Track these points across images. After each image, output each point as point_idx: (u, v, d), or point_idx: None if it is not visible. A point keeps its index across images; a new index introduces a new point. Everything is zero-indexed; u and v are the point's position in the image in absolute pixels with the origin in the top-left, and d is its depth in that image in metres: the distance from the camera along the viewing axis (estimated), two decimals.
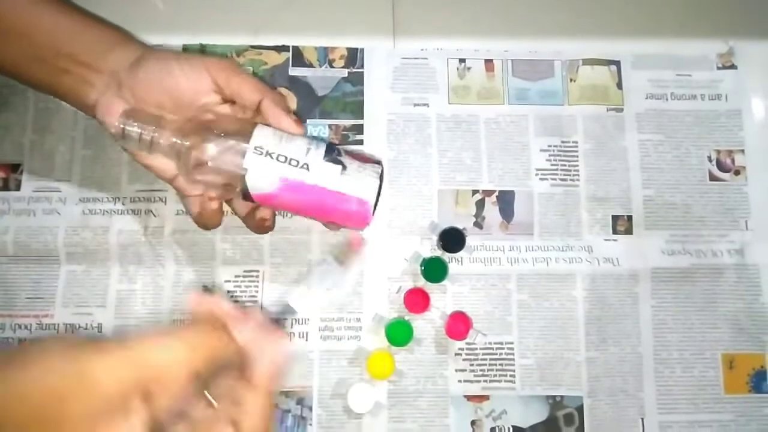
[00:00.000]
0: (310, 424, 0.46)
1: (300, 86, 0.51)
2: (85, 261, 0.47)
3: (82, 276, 0.47)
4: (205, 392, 0.28)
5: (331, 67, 0.51)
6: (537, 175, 0.50)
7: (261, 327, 0.31)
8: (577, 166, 0.50)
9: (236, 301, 0.47)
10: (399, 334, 0.46)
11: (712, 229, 0.50)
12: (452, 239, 0.48)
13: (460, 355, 0.47)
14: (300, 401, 0.46)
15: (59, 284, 0.47)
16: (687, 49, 0.53)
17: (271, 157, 0.39)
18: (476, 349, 0.47)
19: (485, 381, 0.47)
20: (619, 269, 0.49)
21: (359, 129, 0.50)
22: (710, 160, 0.51)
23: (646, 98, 0.52)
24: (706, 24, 0.53)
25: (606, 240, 0.49)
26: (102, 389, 0.25)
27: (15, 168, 0.49)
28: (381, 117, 0.50)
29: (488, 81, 0.51)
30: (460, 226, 0.48)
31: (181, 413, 0.28)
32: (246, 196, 0.41)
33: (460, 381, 0.47)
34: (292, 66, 0.51)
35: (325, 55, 0.51)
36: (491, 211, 0.49)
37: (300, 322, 0.47)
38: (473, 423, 0.46)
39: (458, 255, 0.48)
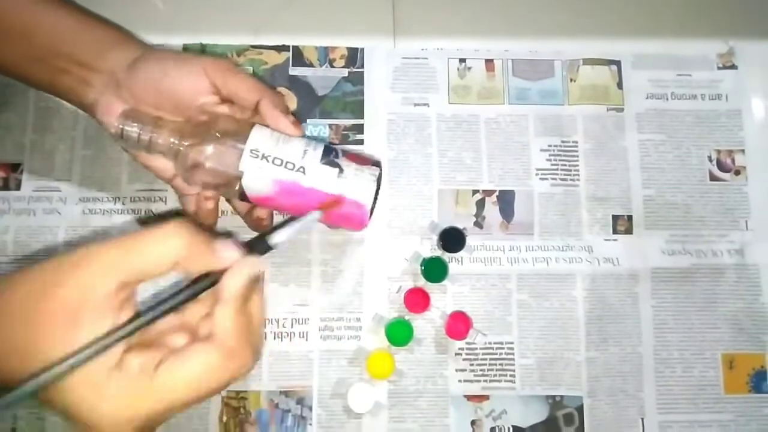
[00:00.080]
0: (310, 424, 0.46)
1: (300, 86, 0.51)
2: None
3: None
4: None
5: (332, 66, 0.51)
6: (537, 174, 0.50)
7: (236, 250, 0.30)
8: (578, 166, 0.50)
9: None
10: (399, 333, 0.46)
11: (712, 229, 0.50)
12: (452, 239, 0.48)
13: (460, 354, 0.47)
14: (300, 401, 0.46)
15: None
16: (687, 49, 0.53)
17: (267, 160, 0.39)
18: (476, 348, 0.47)
19: (485, 381, 0.47)
20: (619, 269, 0.49)
21: (359, 129, 0.50)
22: (710, 160, 0.51)
23: (647, 98, 0.52)
24: (706, 24, 0.53)
25: (606, 240, 0.49)
26: (93, 286, 0.27)
27: (15, 167, 0.49)
28: (381, 117, 0.50)
29: (488, 81, 0.51)
30: (460, 226, 0.48)
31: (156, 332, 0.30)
32: (243, 196, 0.41)
33: (460, 381, 0.47)
34: (293, 66, 0.51)
35: (325, 55, 0.51)
36: (491, 210, 0.49)
37: (300, 322, 0.47)
38: (473, 423, 0.46)
39: (458, 255, 0.48)
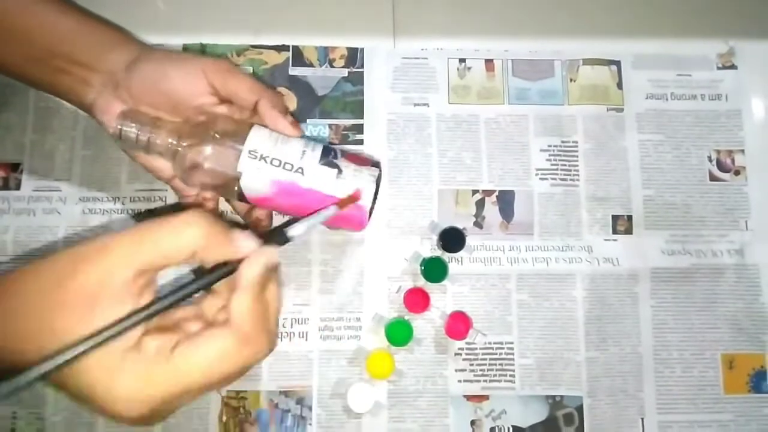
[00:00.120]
0: (310, 424, 0.46)
1: (300, 86, 0.51)
2: None
3: None
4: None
5: (332, 66, 0.51)
6: (537, 174, 0.50)
7: (253, 240, 0.31)
8: (577, 166, 0.50)
9: None
10: (399, 333, 0.46)
11: (712, 229, 0.50)
12: (452, 239, 0.48)
13: (460, 354, 0.47)
14: (300, 401, 0.46)
15: None
16: (687, 49, 0.53)
17: (266, 161, 0.39)
18: (476, 348, 0.47)
19: (485, 381, 0.47)
20: (619, 269, 0.49)
21: (359, 129, 0.50)
22: (710, 160, 0.51)
23: (647, 98, 0.52)
24: (706, 24, 0.53)
25: (606, 240, 0.49)
26: (111, 274, 0.27)
27: (15, 167, 0.49)
28: (381, 117, 0.50)
29: (488, 81, 0.51)
30: (460, 226, 0.48)
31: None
32: (241, 197, 0.41)
33: (459, 381, 0.47)
34: (292, 66, 0.51)
35: (325, 55, 0.51)
36: (491, 210, 0.49)
37: (300, 322, 0.47)
38: (473, 423, 0.46)
39: (458, 255, 0.48)
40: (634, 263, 0.49)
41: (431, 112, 0.51)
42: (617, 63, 0.52)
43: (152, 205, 0.48)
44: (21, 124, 0.49)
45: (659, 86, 0.52)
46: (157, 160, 0.42)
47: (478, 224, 0.49)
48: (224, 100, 0.42)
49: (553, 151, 0.50)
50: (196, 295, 0.30)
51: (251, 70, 0.51)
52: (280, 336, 0.47)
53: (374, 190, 0.41)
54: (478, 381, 0.47)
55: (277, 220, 0.47)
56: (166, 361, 0.28)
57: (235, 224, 0.44)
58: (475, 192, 0.50)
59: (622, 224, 0.50)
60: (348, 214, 0.41)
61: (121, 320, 0.27)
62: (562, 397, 0.47)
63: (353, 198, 0.40)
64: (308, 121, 0.50)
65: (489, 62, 0.52)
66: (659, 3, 0.53)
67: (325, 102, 0.50)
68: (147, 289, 0.28)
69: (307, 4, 0.52)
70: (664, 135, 0.51)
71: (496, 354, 0.47)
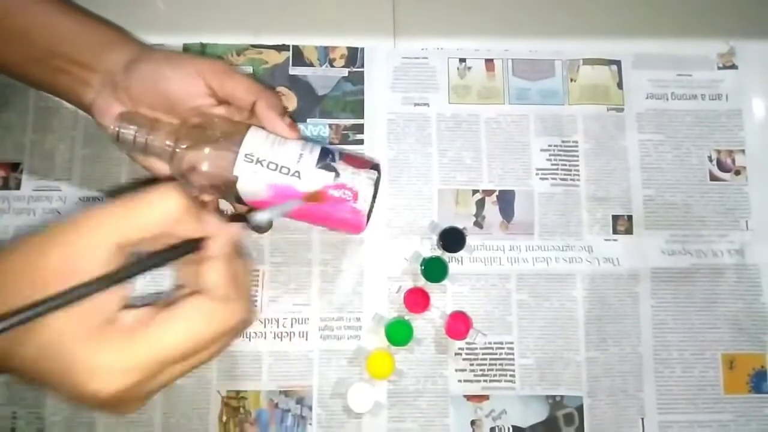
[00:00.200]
0: (310, 424, 0.46)
1: (300, 85, 0.51)
2: None
3: None
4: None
5: (332, 66, 0.51)
6: (537, 174, 0.50)
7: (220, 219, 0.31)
8: (578, 165, 0.50)
9: None
10: (399, 333, 0.46)
11: (712, 229, 0.50)
12: (452, 239, 0.48)
13: (460, 354, 0.47)
14: (300, 401, 0.46)
15: None
16: (687, 49, 0.52)
17: (262, 165, 0.39)
18: (476, 348, 0.47)
19: (485, 381, 0.47)
20: (619, 269, 0.49)
21: (359, 128, 0.50)
22: (710, 160, 0.51)
23: (647, 98, 0.52)
24: (706, 24, 0.53)
25: (606, 240, 0.49)
26: (91, 248, 0.27)
27: (15, 167, 0.49)
28: (381, 116, 0.50)
29: (488, 81, 0.51)
30: (460, 226, 0.48)
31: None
32: (239, 200, 0.41)
33: (460, 381, 0.47)
34: (293, 65, 0.51)
35: (325, 55, 0.51)
36: (491, 210, 0.49)
37: (300, 322, 0.47)
38: (473, 423, 0.46)
39: (458, 255, 0.48)
40: (635, 263, 0.49)
41: (431, 112, 0.51)
42: (617, 63, 0.52)
43: None
44: (21, 124, 0.49)
45: (659, 86, 0.52)
46: (155, 161, 0.42)
47: (478, 224, 0.49)
48: (222, 102, 0.42)
49: (554, 150, 0.50)
50: (163, 265, 0.30)
51: (251, 70, 0.50)
52: (279, 336, 0.47)
53: (372, 194, 0.41)
54: (478, 381, 0.47)
55: (277, 223, 0.47)
56: (145, 329, 0.27)
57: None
58: (475, 192, 0.50)
59: (623, 224, 0.50)
60: (346, 218, 0.41)
61: (88, 282, 0.26)
62: (562, 397, 0.47)
63: (318, 196, 0.39)
64: (308, 120, 0.50)
65: (489, 62, 0.52)
66: (659, 3, 0.53)
67: (326, 102, 0.50)
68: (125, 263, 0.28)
69: (308, 3, 0.52)
70: (665, 135, 0.51)
71: (496, 354, 0.47)
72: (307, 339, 0.47)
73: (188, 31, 0.51)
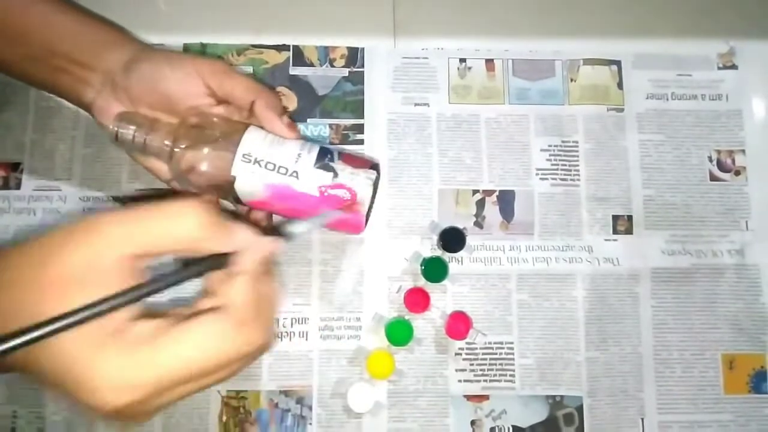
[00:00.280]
0: (310, 424, 0.46)
1: (300, 85, 0.51)
2: None
3: None
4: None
5: (332, 66, 0.51)
6: (537, 174, 0.50)
7: (251, 233, 0.29)
8: (578, 166, 0.50)
9: None
10: (399, 333, 0.46)
11: (712, 230, 0.50)
12: (452, 239, 0.48)
13: (460, 354, 0.47)
14: (300, 400, 0.46)
15: None
16: (688, 49, 0.52)
17: (260, 165, 0.39)
18: (476, 348, 0.47)
19: (485, 381, 0.47)
20: (619, 269, 0.49)
21: (359, 128, 0.50)
22: (711, 161, 0.51)
23: (647, 98, 0.52)
24: (706, 24, 0.53)
25: (606, 240, 0.49)
26: (101, 256, 0.26)
27: (15, 167, 0.49)
28: (381, 116, 0.50)
29: (489, 81, 0.51)
30: (460, 226, 0.48)
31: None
32: (238, 200, 0.41)
33: (460, 381, 0.47)
34: (293, 65, 0.51)
35: (325, 55, 0.51)
36: (491, 210, 0.49)
37: (300, 322, 0.47)
38: (473, 423, 0.46)
39: (458, 255, 0.48)
40: (635, 263, 0.49)
41: (432, 112, 0.51)
42: (618, 63, 0.52)
43: None
44: (21, 124, 0.49)
45: (660, 86, 0.52)
46: (154, 161, 0.42)
47: (478, 224, 0.49)
48: (221, 101, 0.42)
49: (554, 151, 0.50)
50: (184, 282, 0.28)
51: (251, 70, 0.51)
52: (280, 336, 0.47)
53: (371, 194, 0.40)
54: (478, 381, 0.47)
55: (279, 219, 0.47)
56: (154, 344, 0.26)
57: (232, 214, 0.44)
58: (475, 192, 0.50)
59: (623, 224, 0.50)
60: (345, 218, 0.40)
61: (103, 300, 0.25)
62: (562, 397, 0.47)
63: (353, 204, 0.39)
64: (308, 120, 0.50)
65: (489, 62, 0.52)
66: (659, 3, 0.53)
67: (326, 102, 0.50)
68: (136, 275, 0.27)
69: (308, 3, 0.52)
70: (665, 135, 0.51)
71: (496, 354, 0.47)
72: (307, 339, 0.47)
73: (188, 31, 0.51)
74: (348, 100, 0.51)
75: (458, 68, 0.52)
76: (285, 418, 0.46)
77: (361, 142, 0.50)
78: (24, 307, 0.25)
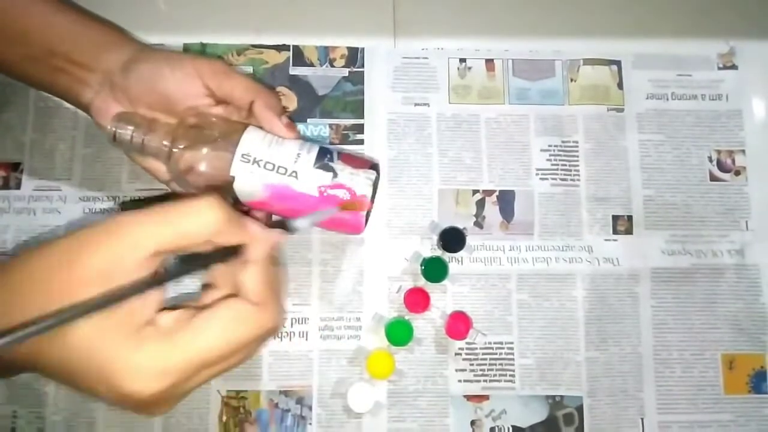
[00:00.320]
0: (310, 424, 0.46)
1: (300, 85, 0.51)
2: None
3: None
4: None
5: (332, 66, 0.51)
6: (537, 174, 0.50)
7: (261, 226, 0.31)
8: (578, 166, 0.50)
9: None
10: (399, 333, 0.46)
11: (712, 230, 0.50)
12: (452, 239, 0.48)
13: (460, 354, 0.47)
14: (300, 401, 0.46)
15: None
16: (688, 49, 0.52)
17: (259, 165, 0.39)
18: (476, 348, 0.47)
19: (485, 381, 0.47)
20: (619, 269, 0.49)
21: (359, 128, 0.50)
22: (711, 161, 0.51)
23: (647, 98, 0.52)
24: (706, 24, 0.53)
25: (606, 240, 0.49)
26: (125, 256, 0.27)
27: (15, 167, 0.49)
28: (381, 116, 0.50)
29: (489, 81, 0.51)
30: (460, 226, 0.48)
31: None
32: (237, 200, 0.41)
33: (460, 381, 0.47)
34: (293, 65, 0.51)
35: (325, 55, 0.51)
36: (491, 210, 0.49)
37: (300, 322, 0.47)
38: (473, 423, 0.46)
39: (458, 255, 0.48)
40: (635, 263, 0.49)
41: (432, 112, 0.51)
42: (618, 63, 0.52)
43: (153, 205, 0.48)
44: (21, 124, 0.49)
45: (660, 86, 0.52)
46: (153, 161, 0.42)
47: (478, 224, 0.49)
48: (220, 101, 0.42)
49: (554, 151, 0.50)
50: (197, 273, 0.30)
51: (251, 70, 0.50)
52: (280, 336, 0.47)
53: (371, 194, 0.40)
54: (478, 381, 0.47)
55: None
56: (183, 330, 0.27)
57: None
58: (475, 192, 0.50)
59: (623, 224, 0.50)
60: (345, 219, 0.40)
61: (126, 287, 0.26)
62: (562, 397, 0.47)
63: (357, 203, 0.39)
64: (308, 120, 0.50)
65: (489, 62, 0.52)
66: (659, 3, 0.53)
67: (326, 102, 0.50)
68: (160, 269, 0.28)
69: (308, 3, 0.52)
70: (665, 135, 0.51)
71: (496, 354, 0.47)
72: (307, 339, 0.47)
73: (188, 31, 0.51)
74: (348, 100, 0.51)
75: (458, 68, 0.52)
76: (285, 418, 0.46)
77: (361, 142, 0.50)
78: (50, 308, 0.26)
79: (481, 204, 0.49)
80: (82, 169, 0.49)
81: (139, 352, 0.26)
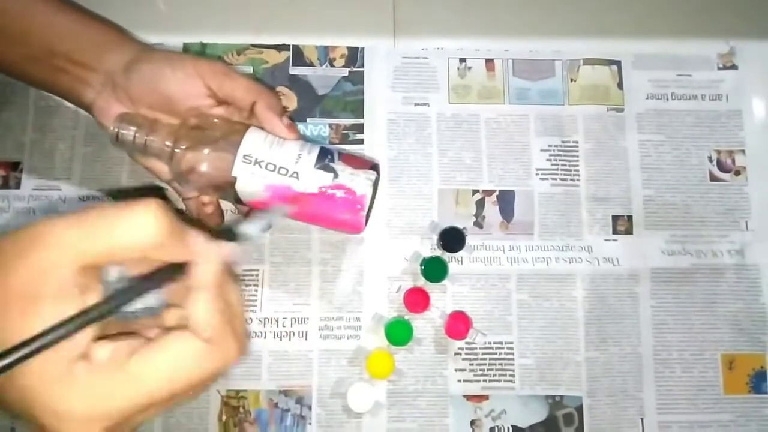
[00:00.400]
0: (310, 424, 0.46)
1: (300, 85, 0.51)
2: None
3: None
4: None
5: (332, 66, 0.51)
6: (537, 174, 0.50)
7: (207, 241, 0.27)
8: (578, 166, 0.50)
9: None
10: (399, 333, 0.46)
11: (712, 230, 0.50)
12: (452, 239, 0.48)
13: (460, 354, 0.47)
14: (299, 400, 0.46)
15: None
16: (688, 49, 0.52)
17: (260, 166, 0.39)
18: (476, 348, 0.47)
19: (485, 381, 0.47)
20: (619, 269, 0.49)
21: (359, 128, 0.50)
22: (710, 161, 0.51)
23: (647, 98, 0.52)
24: (706, 24, 0.53)
25: (606, 240, 0.49)
26: (51, 267, 0.23)
27: (15, 166, 0.49)
28: (381, 116, 0.50)
29: (489, 80, 0.51)
30: (460, 226, 0.48)
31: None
32: (238, 200, 0.41)
33: (459, 381, 0.47)
34: (293, 65, 0.51)
35: (325, 54, 0.51)
36: (491, 210, 0.49)
37: (300, 322, 0.47)
38: (473, 423, 0.46)
39: (458, 255, 0.48)
40: (634, 263, 0.49)
41: (431, 112, 0.51)
42: (618, 63, 0.52)
43: None
44: (21, 123, 0.49)
45: (660, 86, 0.52)
46: (155, 162, 0.42)
47: (478, 224, 0.49)
48: (221, 102, 0.42)
49: (554, 151, 0.50)
50: (143, 296, 0.26)
51: (251, 70, 0.50)
52: (279, 335, 0.47)
53: (371, 195, 0.41)
54: (478, 381, 0.47)
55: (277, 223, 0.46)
56: (122, 369, 0.24)
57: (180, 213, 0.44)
58: (475, 192, 0.50)
59: (623, 224, 0.50)
60: (344, 220, 0.41)
61: (64, 322, 0.23)
62: (561, 397, 0.47)
63: (299, 198, 0.39)
64: (308, 120, 0.50)
65: (489, 62, 0.52)
66: (659, 3, 0.53)
67: (326, 101, 0.50)
68: (93, 285, 0.24)
69: (308, 3, 0.52)
70: (665, 135, 0.51)
71: (496, 354, 0.47)
72: (306, 339, 0.47)
73: (188, 31, 0.51)
74: (348, 100, 0.51)
75: (458, 68, 0.52)
76: (284, 418, 0.46)
77: (361, 141, 0.50)
78: None
79: (481, 204, 0.49)
80: (81, 168, 0.49)
81: (69, 394, 0.23)
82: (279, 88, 0.50)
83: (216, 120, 0.41)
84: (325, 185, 0.40)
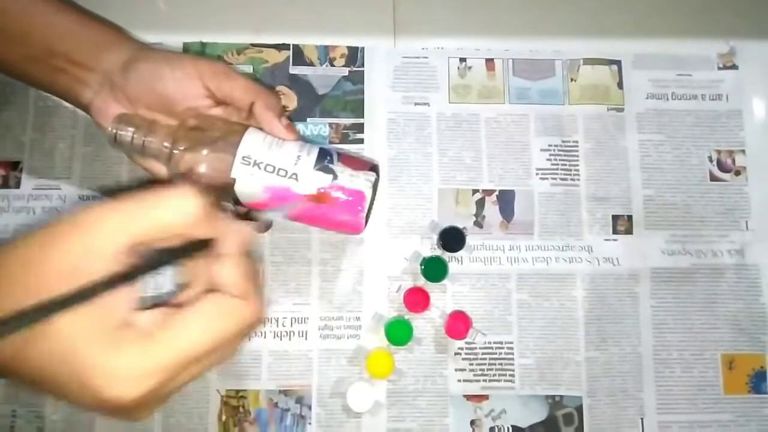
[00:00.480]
0: (310, 423, 0.46)
1: (300, 85, 0.51)
2: None
3: None
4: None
5: (332, 65, 0.51)
6: (537, 174, 0.50)
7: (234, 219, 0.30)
8: (578, 165, 0.50)
9: None
10: (399, 333, 0.46)
11: (712, 230, 0.50)
12: (452, 238, 0.47)
13: (460, 354, 0.47)
14: (299, 400, 0.46)
15: None
16: (688, 49, 0.52)
17: (259, 167, 0.39)
18: (476, 348, 0.47)
19: (485, 380, 0.47)
20: (619, 269, 0.49)
21: (359, 128, 0.50)
22: (711, 161, 0.51)
23: (647, 98, 0.52)
24: (706, 24, 0.53)
25: (606, 240, 0.49)
26: (99, 248, 0.26)
27: (15, 166, 0.49)
28: (381, 116, 0.50)
29: (489, 80, 0.51)
30: (460, 226, 0.48)
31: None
32: (238, 202, 0.41)
33: (459, 380, 0.47)
34: (293, 64, 0.51)
35: (325, 54, 0.51)
36: (491, 210, 0.49)
37: (300, 321, 0.47)
38: (472, 422, 0.46)
39: (458, 254, 0.48)
40: (634, 263, 0.49)
41: (432, 112, 0.51)
42: (618, 63, 0.52)
43: None
44: (21, 123, 0.49)
45: (660, 86, 0.52)
46: (153, 163, 0.42)
47: (478, 224, 0.49)
48: (220, 102, 0.41)
49: (554, 150, 0.50)
50: (170, 265, 0.29)
51: (251, 69, 0.50)
52: (279, 335, 0.47)
53: (370, 196, 0.40)
54: (478, 381, 0.47)
55: (277, 222, 0.46)
56: (164, 329, 0.26)
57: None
58: (475, 191, 0.50)
59: (623, 224, 0.50)
60: (343, 221, 0.40)
61: (97, 282, 0.25)
62: (561, 397, 0.47)
63: (323, 197, 0.39)
64: (308, 120, 0.50)
65: (489, 62, 0.52)
66: (659, 3, 0.53)
67: (326, 101, 0.50)
68: (130, 263, 0.27)
69: (308, 2, 0.52)
70: (665, 135, 0.51)
71: (496, 354, 0.47)
72: (306, 338, 0.47)
73: (188, 31, 0.51)
74: (348, 100, 0.50)
75: (458, 68, 0.51)
76: (284, 418, 0.46)
77: (360, 141, 0.50)
78: (22, 304, 0.24)
79: (480, 204, 0.49)
80: (81, 168, 0.49)
81: (117, 356, 0.25)
82: (279, 88, 0.50)
83: (214, 121, 0.41)
84: (324, 186, 0.40)
